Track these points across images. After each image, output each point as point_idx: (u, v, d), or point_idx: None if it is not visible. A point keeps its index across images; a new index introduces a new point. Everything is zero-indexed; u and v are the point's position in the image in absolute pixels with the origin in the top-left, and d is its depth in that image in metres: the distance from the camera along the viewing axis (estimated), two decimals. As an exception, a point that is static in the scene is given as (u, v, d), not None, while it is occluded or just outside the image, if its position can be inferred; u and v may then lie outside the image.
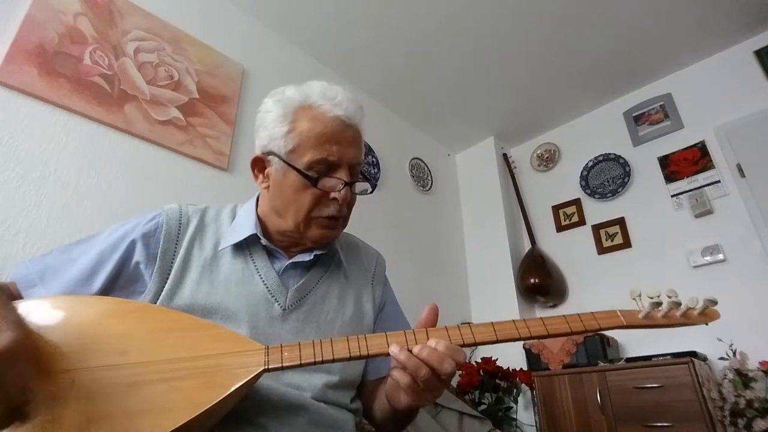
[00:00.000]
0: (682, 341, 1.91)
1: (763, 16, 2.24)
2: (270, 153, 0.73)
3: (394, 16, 2.21)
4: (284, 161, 0.71)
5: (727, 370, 1.85)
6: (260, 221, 0.77)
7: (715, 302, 0.57)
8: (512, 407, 2.21)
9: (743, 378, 1.78)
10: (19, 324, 0.44)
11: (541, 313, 2.71)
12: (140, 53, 1.67)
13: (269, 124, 0.73)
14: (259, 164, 0.77)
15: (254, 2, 2.11)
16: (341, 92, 0.73)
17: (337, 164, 0.71)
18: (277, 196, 0.73)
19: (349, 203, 0.75)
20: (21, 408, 0.44)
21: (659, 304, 0.57)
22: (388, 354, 0.55)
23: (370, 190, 0.80)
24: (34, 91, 1.35)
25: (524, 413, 2.33)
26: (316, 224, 0.72)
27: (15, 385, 0.42)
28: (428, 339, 0.56)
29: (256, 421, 0.60)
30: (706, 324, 0.58)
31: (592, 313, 0.58)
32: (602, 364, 1.98)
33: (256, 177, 0.78)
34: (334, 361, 0.54)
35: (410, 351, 0.54)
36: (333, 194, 0.71)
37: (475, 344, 0.57)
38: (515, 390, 2.24)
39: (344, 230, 0.90)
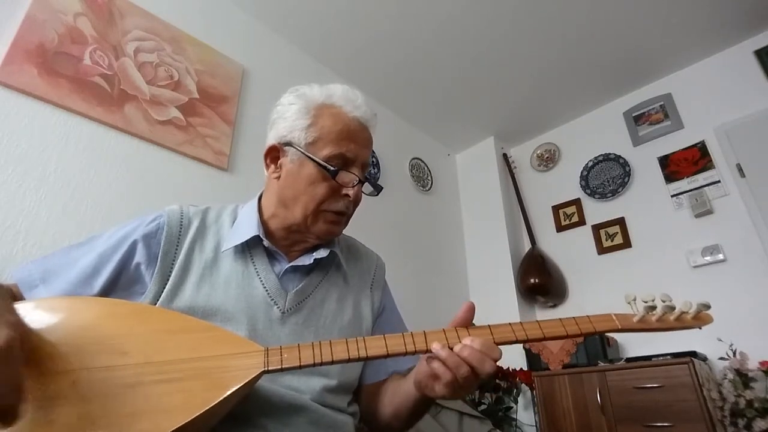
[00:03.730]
0: (682, 341, 1.91)
1: (763, 16, 2.24)
2: (287, 144, 0.75)
3: (394, 16, 2.21)
4: (303, 152, 0.73)
5: (727, 370, 1.85)
6: (262, 221, 0.77)
7: (708, 306, 0.58)
8: (512, 407, 2.22)
9: (743, 378, 1.78)
10: (17, 324, 0.43)
11: (541, 313, 2.72)
12: (140, 53, 1.67)
13: (290, 116, 0.75)
14: (272, 153, 0.78)
15: (254, 2, 2.11)
16: (360, 96, 0.77)
17: (352, 161, 0.74)
18: (289, 185, 0.74)
19: (356, 202, 0.76)
20: (11, 409, 0.42)
21: (653, 308, 0.57)
22: (386, 356, 0.55)
23: (377, 193, 0.82)
24: (34, 91, 1.35)
25: (524, 413, 2.33)
26: (323, 218, 0.73)
27: (7, 384, 0.41)
28: (426, 342, 0.56)
29: (257, 421, 0.60)
30: (700, 328, 0.59)
31: (587, 316, 0.59)
32: (602, 364, 1.98)
33: (268, 166, 0.79)
34: (333, 362, 0.54)
35: (451, 349, 0.55)
36: (345, 190, 0.73)
37: None
38: (515, 390, 2.25)
39: (345, 234, 0.90)
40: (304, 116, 0.74)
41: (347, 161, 0.73)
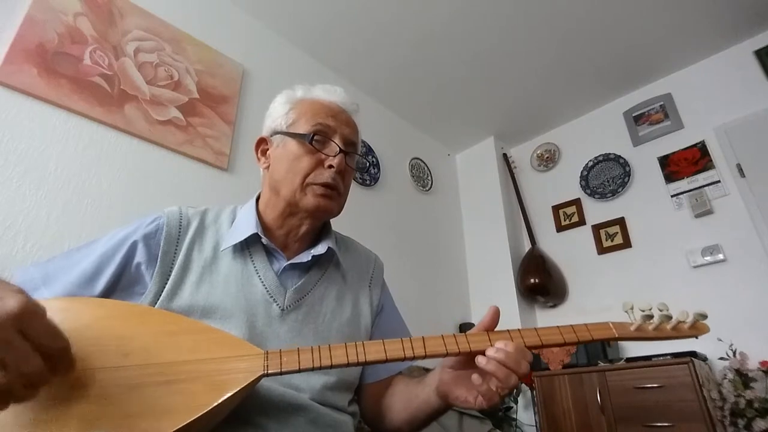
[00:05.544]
0: (682, 341, 1.91)
1: (763, 16, 2.24)
2: (273, 133, 0.80)
3: (394, 16, 2.21)
4: (284, 132, 0.78)
5: (727, 370, 1.85)
6: (260, 220, 0.77)
7: (705, 316, 0.58)
8: (512, 407, 2.22)
9: (743, 378, 1.78)
10: (21, 290, 0.43)
11: (541, 313, 2.72)
12: (140, 53, 1.67)
13: (273, 111, 0.82)
14: (261, 146, 0.83)
15: (254, 2, 2.11)
16: (340, 90, 0.83)
17: (333, 130, 0.77)
18: (276, 169, 0.77)
19: (344, 175, 0.77)
20: (65, 354, 0.45)
21: (651, 317, 0.58)
22: (385, 361, 0.56)
23: (367, 164, 0.84)
24: (34, 91, 1.35)
25: (524, 413, 2.33)
26: (311, 192, 0.74)
27: (47, 335, 0.43)
28: (425, 348, 0.57)
29: (256, 421, 0.60)
30: (696, 337, 0.60)
31: (585, 324, 0.60)
32: (602, 364, 1.99)
33: (259, 159, 0.83)
34: (332, 367, 0.55)
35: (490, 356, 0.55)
36: (328, 161, 0.75)
37: (471, 353, 0.58)
38: (515, 390, 2.25)
39: (344, 235, 0.90)
40: (284, 107, 0.80)
41: (327, 132, 0.76)
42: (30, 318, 0.41)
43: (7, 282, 0.44)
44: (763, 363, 1.81)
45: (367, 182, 2.42)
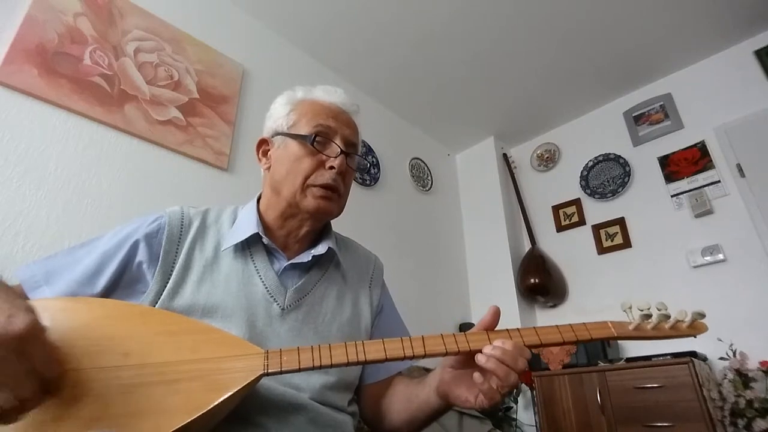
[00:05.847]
0: (682, 341, 1.90)
1: (763, 16, 2.24)
2: (274, 134, 0.81)
3: (394, 16, 2.21)
4: (286, 133, 0.78)
5: (727, 370, 1.85)
6: (261, 220, 0.77)
7: (703, 315, 0.59)
8: (512, 407, 2.22)
9: (743, 378, 1.78)
10: (32, 309, 0.45)
11: (541, 313, 2.72)
12: (140, 53, 1.67)
13: (275, 112, 0.82)
14: (262, 146, 0.83)
15: (254, 2, 2.11)
16: (341, 91, 0.83)
17: (334, 131, 0.77)
18: (277, 170, 0.77)
19: (344, 176, 0.77)
20: (53, 381, 0.45)
21: (649, 316, 0.58)
22: (385, 360, 0.56)
23: (367, 164, 0.84)
24: (34, 91, 1.35)
25: (524, 413, 2.33)
26: (311, 193, 0.74)
27: (43, 361, 0.43)
28: (424, 347, 0.57)
29: (256, 420, 0.60)
30: (694, 336, 0.60)
31: (584, 323, 0.60)
32: (602, 364, 1.99)
33: (260, 160, 0.84)
34: (332, 366, 0.55)
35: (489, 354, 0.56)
36: (329, 162, 0.75)
37: (470, 352, 0.58)
38: (515, 390, 2.25)
39: (344, 236, 0.91)
40: (285, 108, 0.81)
41: (328, 134, 0.77)
42: (32, 341, 0.41)
43: (17, 297, 0.44)
44: (763, 363, 1.81)
45: (367, 182, 2.42)
